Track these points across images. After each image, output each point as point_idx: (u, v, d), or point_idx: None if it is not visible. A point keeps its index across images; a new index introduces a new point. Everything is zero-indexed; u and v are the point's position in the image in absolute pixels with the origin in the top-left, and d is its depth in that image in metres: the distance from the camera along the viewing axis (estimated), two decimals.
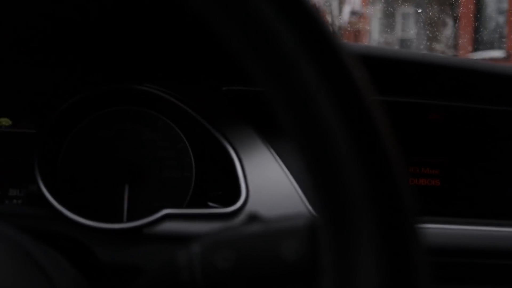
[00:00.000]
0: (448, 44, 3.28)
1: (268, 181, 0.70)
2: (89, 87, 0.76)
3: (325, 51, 0.29)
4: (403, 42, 3.42)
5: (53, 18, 0.74)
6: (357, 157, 0.28)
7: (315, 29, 0.29)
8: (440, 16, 3.23)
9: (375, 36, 3.60)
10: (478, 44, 3.48)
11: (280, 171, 0.72)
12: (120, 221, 0.77)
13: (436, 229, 0.71)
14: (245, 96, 0.78)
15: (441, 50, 3.26)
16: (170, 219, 0.66)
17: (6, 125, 0.78)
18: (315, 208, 0.30)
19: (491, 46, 3.52)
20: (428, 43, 3.28)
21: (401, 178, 0.29)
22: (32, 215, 0.68)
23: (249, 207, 0.68)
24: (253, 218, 0.47)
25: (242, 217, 0.65)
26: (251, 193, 0.69)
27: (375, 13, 3.47)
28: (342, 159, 0.29)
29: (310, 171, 0.30)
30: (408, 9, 3.41)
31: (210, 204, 0.79)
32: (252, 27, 0.29)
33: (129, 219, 0.77)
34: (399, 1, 3.47)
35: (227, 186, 0.78)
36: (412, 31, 3.41)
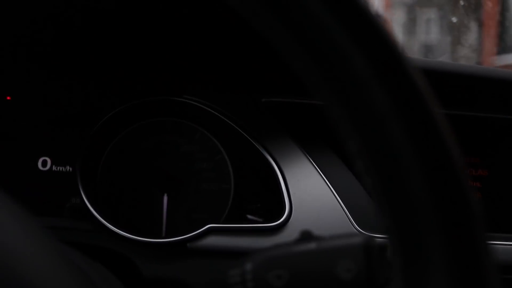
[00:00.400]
0: (472, 48, 3.24)
1: (310, 195, 0.70)
2: (128, 99, 0.76)
3: (394, 68, 0.29)
4: (426, 47, 3.39)
5: (94, 31, 0.74)
6: (428, 175, 0.28)
7: (384, 45, 0.29)
8: (464, 20, 3.20)
9: (400, 37, 3.57)
10: (502, 48, 3.44)
11: (322, 184, 0.71)
12: (159, 233, 0.77)
13: None
14: (284, 108, 0.77)
15: (465, 54, 3.22)
16: (214, 233, 0.66)
17: None
18: (383, 229, 0.30)
19: None
20: (451, 48, 3.24)
21: (471, 194, 0.28)
22: (75, 228, 0.68)
23: (293, 222, 0.67)
24: (306, 235, 0.46)
25: (294, 234, 0.64)
26: (294, 207, 0.68)
27: (397, 17, 3.45)
28: (412, 179, 0.28)
29: (379, 191, 0.29)
30: (431, 13, 3.37)
31: (249, 216, 0.79)
32: (321, 45, 0.29)
33: (168, 232, 0.77)
34: (422, 6, 3.44)
35: (268, 199, 0.77)
36: (435, 36, 3.38)
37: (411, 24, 3.58)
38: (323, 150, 0.75)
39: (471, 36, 3.28)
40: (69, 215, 0.72)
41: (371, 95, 0.29)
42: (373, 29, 0.29)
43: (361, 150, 0.30)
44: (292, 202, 0.68)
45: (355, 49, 0.28)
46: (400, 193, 0.28)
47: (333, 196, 0.70)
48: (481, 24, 3.29)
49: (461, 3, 3.25)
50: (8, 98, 0.78)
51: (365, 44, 0.28)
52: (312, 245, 0.44)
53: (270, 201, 0.77)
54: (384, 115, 0.29)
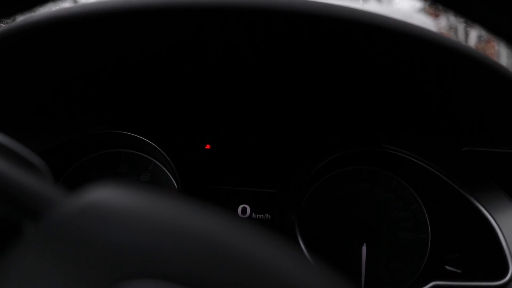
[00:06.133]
0: None
1: None
2: (328, 151, 0.77)
3: None
4: None
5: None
6: None
7: None
8: None
9: (503, 60, 3.42)
10: None
11: None
12: (357, 283, 0.77)
13: None
14: (487, 158, 0.75)
15: None
16: None
17: None
18: None
19: None
20: None
21: None
22: None
23: None
24: None
25: None
26: None
27: None
28: None
29: None
30: None
31: (448, 267, 0.77)
32: None
33: (367, 282, 0.76)
34: None
35: (469, 250, 0.75)
36: None
37: None
38: None
39: None
40: None
41: None
42: None
43: None
44: None
45: None
46: None
47: None
48: None
49: None
50: (208, 147, 0.81)
51: None
52: None
53: (473, 252, 0.75)
54: None
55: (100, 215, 0.26)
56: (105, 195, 0.28)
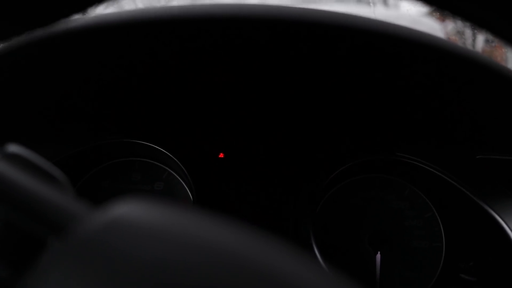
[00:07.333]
0: None
1: None
2: (340, 159, 0.77)
3: None
4: None
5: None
6: None
7: None
8: None
9: (511, 65, 3.41)
10: None
11: None
12: None
13: None
14: (501, 165, 0.75)
15: None
16: None
17: None
18: None
19: None
20: None
21: None
22: None
23: None
24: None
25: None
26: None
27: None
28: None
29: None
30: None
31: (462, 276, 0.77)
32: None
33: None
34: None
35: (485, 258, 0.75)
36: None
37: None
38: None
39: None
40: None
41: None
42: None
43: None
44: None
45: None
46: None
47: None
48: None
49: None
50: (221, 155, 0.81)
51: None
52: None
53: (488, 261, 0.74)
54: None
55: (126, 230, 0.26)
56: (131, 210, 0.28)
